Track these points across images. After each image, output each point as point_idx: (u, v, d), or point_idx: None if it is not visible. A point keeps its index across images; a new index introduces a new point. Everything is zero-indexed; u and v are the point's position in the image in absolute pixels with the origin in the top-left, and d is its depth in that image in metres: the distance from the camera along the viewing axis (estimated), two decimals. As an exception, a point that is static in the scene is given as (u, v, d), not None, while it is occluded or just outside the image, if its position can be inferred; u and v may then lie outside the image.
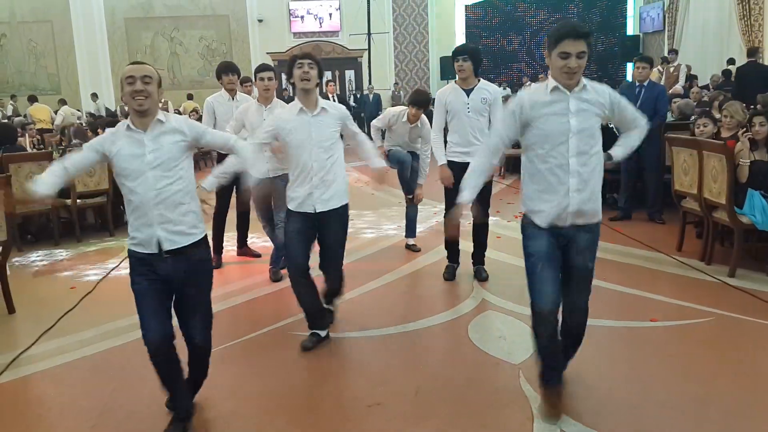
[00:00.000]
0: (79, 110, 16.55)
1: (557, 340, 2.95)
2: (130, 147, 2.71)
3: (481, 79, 4.79)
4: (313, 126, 3.64)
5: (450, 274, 5.07)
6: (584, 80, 2.77)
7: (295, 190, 3.73)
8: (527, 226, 2.96)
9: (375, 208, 8.06)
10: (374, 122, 5.90)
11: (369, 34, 18.16)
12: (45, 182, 2.74)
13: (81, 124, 11.41)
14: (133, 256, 2.81)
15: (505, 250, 5.66)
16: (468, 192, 3.00)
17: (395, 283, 5.04)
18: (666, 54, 14.00)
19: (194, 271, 2.84)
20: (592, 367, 3.55)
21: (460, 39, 19.56)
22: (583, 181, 2.77)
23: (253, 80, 5.20)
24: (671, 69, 12.50)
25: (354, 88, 20.43)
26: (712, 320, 3.96)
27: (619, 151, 3.03)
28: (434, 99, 4.99)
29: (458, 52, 4.74)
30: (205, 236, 2.91)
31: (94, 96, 17.92)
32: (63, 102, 15.55)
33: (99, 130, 8.63)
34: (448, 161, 4.81)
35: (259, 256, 5.93)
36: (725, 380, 3.26)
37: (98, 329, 4.26)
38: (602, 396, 3.19)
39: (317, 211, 3.70)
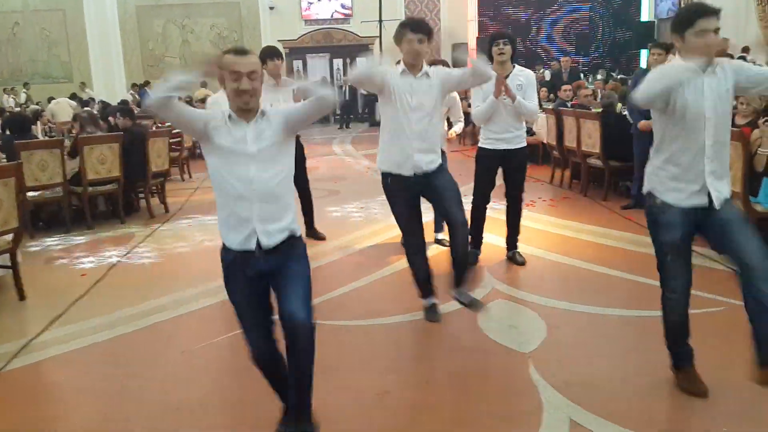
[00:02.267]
0: (92, 98, 16.62)
1: None
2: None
3: (516, 65, 4.79)
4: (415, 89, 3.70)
5: (473, 259, 5.08)
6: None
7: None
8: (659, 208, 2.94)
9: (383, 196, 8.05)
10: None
11: (381, 20, 18.03)
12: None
13: (92, 111, 11.43)
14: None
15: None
16: None
17: (407, 270, 5.02)
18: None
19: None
20: (604, 356, 3.53)
21: (472, 26, 19.43)
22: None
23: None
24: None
25: (366, 76, 20.35)
26: (725, 309, 3.92)
27: None
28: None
29: (499, 36, 4.79)
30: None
31: (83, 85, 17.97)
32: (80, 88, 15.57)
33: (111, 118, 8.67)
34: (481, 148, 4.89)
35: (324, 238, 5.97)
36: (737, 370, 3.21)
37: (109, 316, 4.28)
38: (614, 385, 3.17)
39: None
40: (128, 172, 7.06)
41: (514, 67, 4.75)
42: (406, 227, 4.00)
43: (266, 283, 2.57)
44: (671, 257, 2.91)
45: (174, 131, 9.50)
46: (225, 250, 2.57)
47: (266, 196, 2.50)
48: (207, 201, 7.71)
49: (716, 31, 2.67)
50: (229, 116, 2.51)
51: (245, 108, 2.48)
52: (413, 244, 4.01)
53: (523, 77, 4.73)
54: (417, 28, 3.69)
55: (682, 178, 2.83)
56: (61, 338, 3.97)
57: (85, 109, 10.97)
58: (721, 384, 3.08)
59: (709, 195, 2.80)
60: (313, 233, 6.02)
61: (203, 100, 9.74)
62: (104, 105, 13.36)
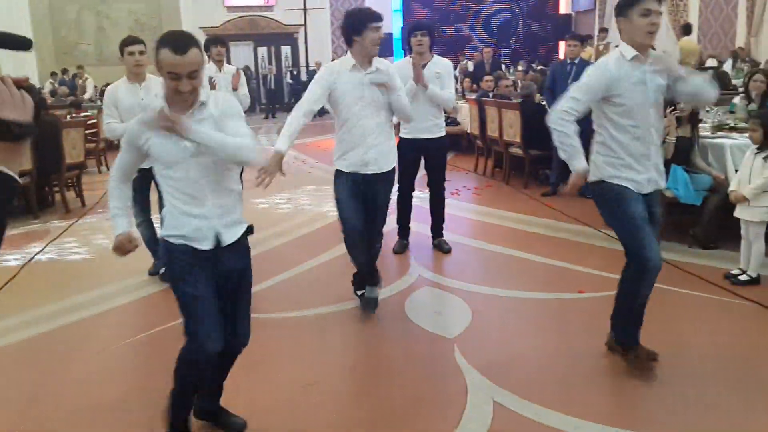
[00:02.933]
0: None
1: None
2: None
3: (434, 54, 4.86)
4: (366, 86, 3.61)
5: (401, 248, 5.16)
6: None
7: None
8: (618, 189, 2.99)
9: (315, 184, 8.03)
10: None
11: (305, 9, 17.87)
12: None
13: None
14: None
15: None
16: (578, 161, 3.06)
17: (332, 262, 5.03)
18: (597, 32, 14.34)
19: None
20: (523, 338, 3.66)
21: (397, 15, 19.51)
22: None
23: (120, 55, 4.53)
24: (601, 47, 12.81)
25: (291, 65, 20.12)
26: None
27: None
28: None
29: (417, 27, 4.91)
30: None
31: None
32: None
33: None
34: (402, 138, 4.93)
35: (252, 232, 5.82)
36: (648, 348, 3.40)
37: (22, 316, 4.09)
38: (533, 367, 3.29)
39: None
40: (41, 164, 6.74)
41: (432, 56, 4.83)
42: (347, 216, 3.82)
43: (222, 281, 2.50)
44: (640, 225, 2.96)
45: (90, 122, 9.14)
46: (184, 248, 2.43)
47: (217, 189, 2.42)
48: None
49: (658, 13, 2.79)
50: (164, 108, 2.35)
51: (185, 105, 2.36)
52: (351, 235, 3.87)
53: (441, 66, 4.83)
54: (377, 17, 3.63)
55: (634, 167, 2.95)
56: (-30, 341, 3.78)
57: None
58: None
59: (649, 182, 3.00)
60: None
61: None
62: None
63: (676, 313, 3.88)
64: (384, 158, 3.73)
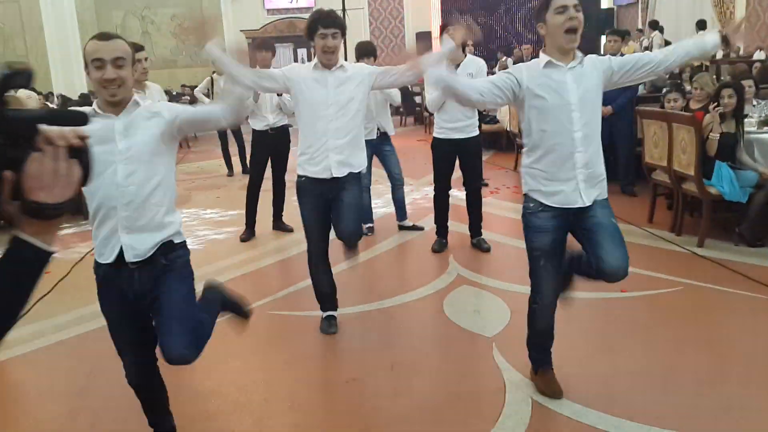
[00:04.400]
0: (51, 92, 16.27)
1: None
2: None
3: (467, 54, 4.84)
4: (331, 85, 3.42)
5: (440, 247, 5.17)
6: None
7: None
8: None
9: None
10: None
11: (344, 9, 17.97)
12: None
13: (48, 105, 11.21)
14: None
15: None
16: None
17: (371, 261, 5.08)
18: (639, 26, 14.07)
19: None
20: (565, 338, 3.62)
21: (436, 14, 19.47)
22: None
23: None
24: (646, 41, 12.57)
25: (330, 66, 20.26)
26: (681, 290, 4.05)
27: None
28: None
29: (448, 25, 4.80)
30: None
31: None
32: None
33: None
34: (435, 138, 4.91)
35: (291, 230, 5.94)
36: (693, 348, 3.35)
37: (74, 313, 4.25)
38: (574, 366, 3.26)
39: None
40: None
41: (465, 56, 4.80)
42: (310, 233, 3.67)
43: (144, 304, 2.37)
44: (543, 261, 2.82)
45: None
46: (96, 264, 2.38)
47: (133, 204, 2.28)
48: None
49: (575, 7, 2.59)
50: (93, 112, 2.27)
51: (112, 100, 2.24)
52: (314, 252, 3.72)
53: (474, 67, 4.78)
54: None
55: (555, 178, 2.70)
56: (25, 337, 3.93)
57: (45, 103, 10.74)
58: (678, 362, 3.21)
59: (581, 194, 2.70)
60: (280, 225, 6.04)
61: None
62: (63, 99, 13.09)
63: (723, 313, 3.80)
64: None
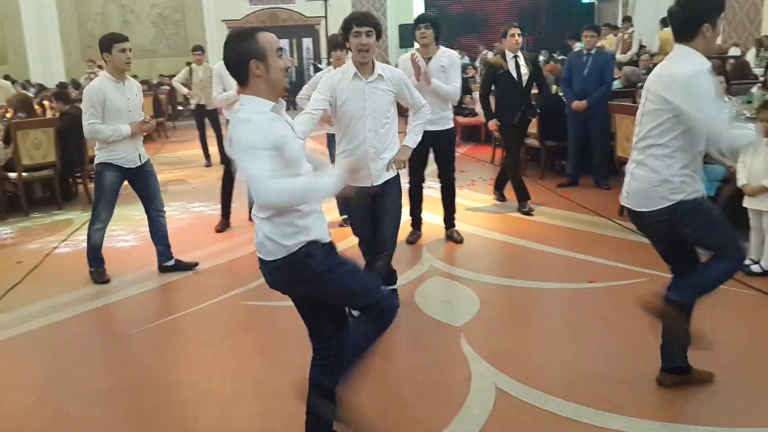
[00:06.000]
0: (28, 81, 16.06)
1: None
2: None
3: (440, 46, 4.87)
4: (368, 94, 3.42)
5: (414, 238, 5.22)
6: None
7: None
8: None
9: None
10: None
11: (325, 0, 17.90)
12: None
13: (27, 94, 11.08)
14: None
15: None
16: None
17: (346, 252, 5.08)
18: (620, 22, 14.16)
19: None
20: (530, 327, 3.70)
21: (419, 7, 19.46)
22: None
23: (106, 51, 4.32)
24: (625, 36, 12.66)
25: (312, 57, 20.19)
26: (647, 280, 4.12)
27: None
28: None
29: (421, 19, 4.89)
30: None
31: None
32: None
33: (46, 102, 8.45)
34: None
35: None
36: (654, 337, 3.41)
37: (43, 303, 4.23)
38: (540, 355, 3.33)
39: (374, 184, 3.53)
40: (65, 157, 6.91)
41: (438, 48, 4.83)
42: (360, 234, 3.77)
43: None
44: None
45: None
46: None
47: None
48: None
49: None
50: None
51: (286, 87, 2.34)
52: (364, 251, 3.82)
53: (446, 58, 4.81)
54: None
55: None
56: (-6, 326, 3.92)
57: (21, 92, 10.62)
58: (639, 349, 3.27)
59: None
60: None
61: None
62: (40, 88, 12.93)
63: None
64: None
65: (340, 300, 2.52)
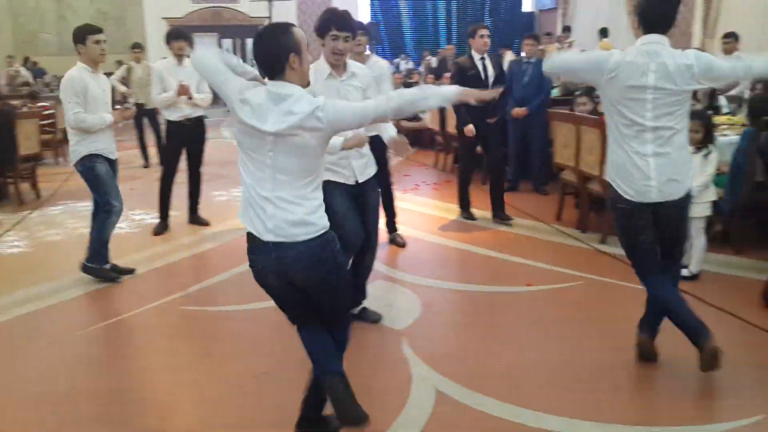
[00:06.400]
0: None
1: None
2: None
3: (372, 54, 4.87)
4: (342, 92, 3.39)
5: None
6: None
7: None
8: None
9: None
10: None
11: (270, 1, 17.74)
12: None
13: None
14: None
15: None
16: None
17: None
18: (559, 31, 14.57)
19: None
20: (470, 330, 3.76)
21: (364, 10, 19.52)
22: None
23: (80, 43, 4.31)
24: (565, 45, 13.03)
25: (256, 58, 19.98)
26: (582, 284, 4.25)
27: None
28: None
29: (359, 26, 4.77)
30: None
31: None
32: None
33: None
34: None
35: (208, 224, 5.89)
36: (591, 339, 3.53)
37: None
38: (477, 357, 3.39)
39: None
40: (-5, 155, 6.64)
41: (370, 54, 4.74)
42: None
43: None
44: None
45: (46, 112, 8.97)
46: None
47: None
48: (83, 186, 7.34)
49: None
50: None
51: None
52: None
53: (377, 70, 4.54)
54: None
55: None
56: None
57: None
58: (577, 352, 3.37)
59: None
60: (196, 219, 5.94)
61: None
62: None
63: (620, 305, 3.99)
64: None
65: (336, 302, 2.54)
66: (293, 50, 2.26)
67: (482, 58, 5.68)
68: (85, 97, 4.27)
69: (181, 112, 5.50)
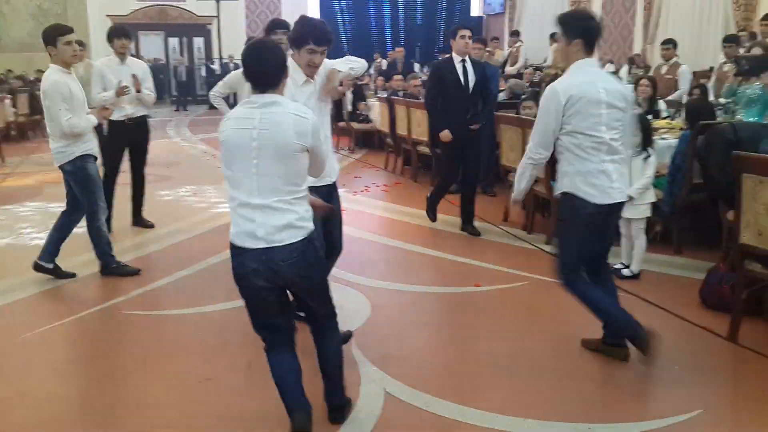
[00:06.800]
0: None
1: None
2: None
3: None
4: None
5: None
6: None
7: None
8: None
9: (218, 182, 7.90)
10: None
11: (217, 0, 17.51)
12: None
13: None
14: None
15: (347, 222, 5.77)
16: None
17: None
18: (506, 35, 14.82)
19: None
20: (419, 330, 3.77)
21: (313, 7, 19.49)
22: None
23: (50, 44, 4.23)
24: (513, 50, 13.25)
25: (203, 57, 19.67)
26: (527, 284, 4.33)
27: None
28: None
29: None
30: None
31: None
32: None
33: None
34: None
35: (152, 226, 5.77)
36: (534, 337, 3.59)
37: None
38: (425, 357, 3.41)
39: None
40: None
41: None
42: None
43: None
44: None
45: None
46: None
47: None
48: (22, 187, 7.10)
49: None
50: None
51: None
52: None
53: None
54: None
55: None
56: None
57: None
58: (520, 350, 3.42)
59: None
60: (140, 221, 5.80)
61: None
62: None
63: (562, 304, 4.05)
64: None
65: (321, 295, 2.71)
66: (286, 67, 2.47)
67: (463, 61, 5.34)
68: (71, 102, 4.19)
69: (124, 111, 5.37)
